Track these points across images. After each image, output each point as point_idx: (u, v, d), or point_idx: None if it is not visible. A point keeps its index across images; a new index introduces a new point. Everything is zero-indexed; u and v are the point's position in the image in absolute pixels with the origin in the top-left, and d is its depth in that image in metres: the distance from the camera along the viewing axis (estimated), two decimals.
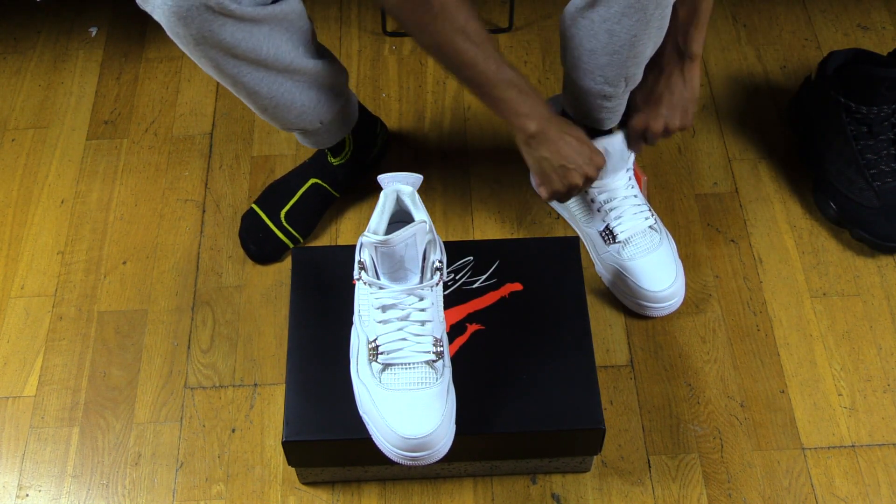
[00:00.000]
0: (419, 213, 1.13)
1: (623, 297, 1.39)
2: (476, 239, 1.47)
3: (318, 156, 1.48)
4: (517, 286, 1.26)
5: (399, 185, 1.15)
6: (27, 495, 1.26)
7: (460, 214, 1.50)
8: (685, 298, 1.40)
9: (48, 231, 1.50)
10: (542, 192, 1.30)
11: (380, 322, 1.12)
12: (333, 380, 1.18)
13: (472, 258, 1.29)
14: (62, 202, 1.53)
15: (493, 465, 1.24)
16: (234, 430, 1.31)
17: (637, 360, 1.36)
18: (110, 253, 1.47)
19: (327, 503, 1.25)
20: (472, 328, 1.23)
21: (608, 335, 1.38)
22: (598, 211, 1.39)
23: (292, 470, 1.26)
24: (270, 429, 1.31)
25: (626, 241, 1.38)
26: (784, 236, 1.47)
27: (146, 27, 1.73)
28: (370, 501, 1.25)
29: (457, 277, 1.27)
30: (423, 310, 1.12)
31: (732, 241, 1.47)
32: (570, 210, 1.45)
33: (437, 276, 1.13)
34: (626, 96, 1.31)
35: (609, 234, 1.39)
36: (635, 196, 1.40)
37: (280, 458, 1.28)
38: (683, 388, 1.34)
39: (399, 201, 1.15)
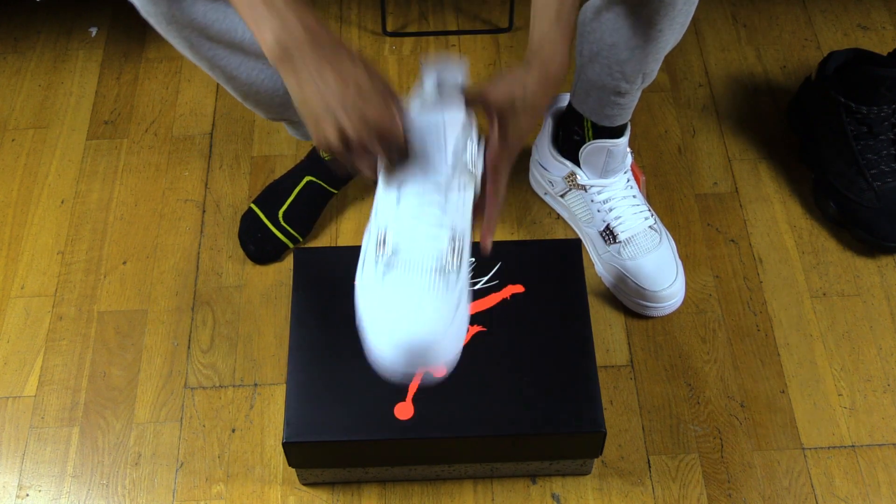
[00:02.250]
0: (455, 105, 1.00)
1: (624, 297, 1.39)
2: (477, 240, 1.47)
3: (311, 152, 1.47)
4: (519, 288, 1.26)
5: (441, 73, 0.99)
6: (27, 495, 1.26)
7: None
8: (685, 298, 1.40)
9: (48, 231, 1.50)
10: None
11: (393, 213, 0.99)
12: (334, 380, 1.19)
13: (473, 260, 1.29)
14: (62, 202, 1.53)
15: (493, 467, 1.24)
16: (234, 430, 1.31)
17: (637, 360, 1.36)
18: (110, 253, 1.47)
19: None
20: (473, 329, 1.23)
21: (608, 335, 1.38)
22: (599, 211, 1.39)
23: (292, 470, 1.26)
24: (270, 429, 1.31)
25: (627, 241, 1.38)
26: (784, 236, 1.47)
27: (146, 27, 1.72)
28: (370, 502, 1.25)
29: None
30: (443, 209, 0.99)
31: (732, 241, 1.47)
32: (571, 210, 1.45)
33: (466, 178, 1.00)
34: (639, 93, 1.30)
35: (610, 235, 1.39)
36: (634, 196, 1.40)
37: (280, 458, 1.28)
38: (683, 388, 1.34)
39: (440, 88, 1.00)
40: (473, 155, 1.02)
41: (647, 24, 1.17)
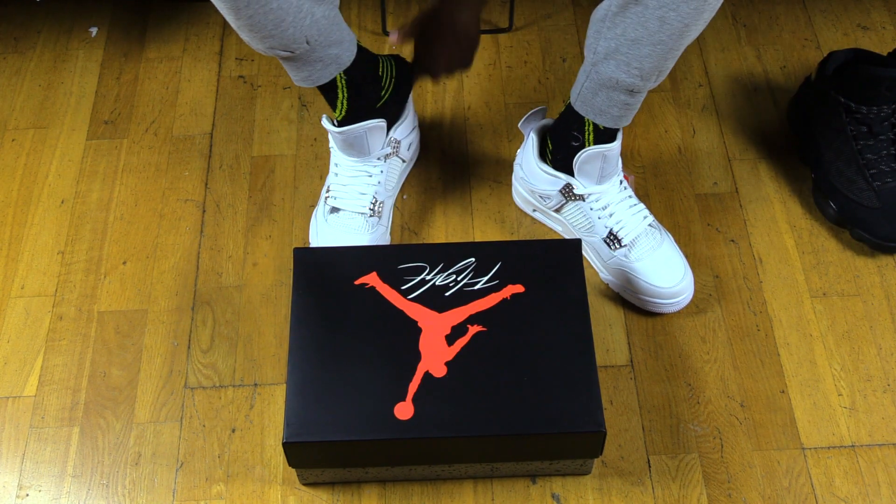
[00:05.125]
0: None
1: (635, 299, 1.38)
2: (476, 240, 1.47)
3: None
4: (519, 288, 1.26)
5: None
6: (27, 495, 1.26)
7: (460, 214, 1.50)
8: None
9: (48, 231, 1.50)
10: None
11: (335, 175, 1.43)
12: (334, 380, 1.19)
13: (473, 260, 1.29)
14: (62, 202, 1.53)
15: (493, 467, 1.25)
16: (234, 430, 1.31)
17: (637, 360, 1.36)
18: (110, 253, 1.47)
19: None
20: (473, 329, 1.23)
21: (608, 335, 1.38)
22: (599, 218, 1.39)
23: (292, 470, 1.26)
24: (270, 429, 1.31)
25: (633, 243, 1.37)
26: (784, 236, 1.47)
27: (146, 27, 1.73)
28: (370, 502, 1.25)
29: (459, 279, 1.27)
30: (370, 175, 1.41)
31: (732, 241, 1.47)
32: (567, 223, 1.43)
33: (389, 150, 1.41)
34: (646, 93, 1.29)
35: (614, 239, 1.38)
36: (630, 196, 1.40)
37: (280, 458, 1.28)
38: (683, 388, 1.34)
39: None
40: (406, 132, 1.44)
41: (675, 18, 1.16)
